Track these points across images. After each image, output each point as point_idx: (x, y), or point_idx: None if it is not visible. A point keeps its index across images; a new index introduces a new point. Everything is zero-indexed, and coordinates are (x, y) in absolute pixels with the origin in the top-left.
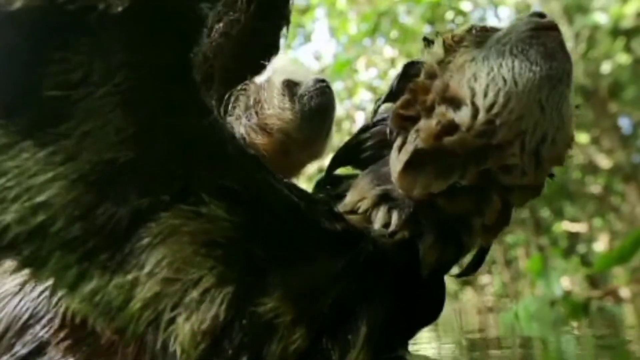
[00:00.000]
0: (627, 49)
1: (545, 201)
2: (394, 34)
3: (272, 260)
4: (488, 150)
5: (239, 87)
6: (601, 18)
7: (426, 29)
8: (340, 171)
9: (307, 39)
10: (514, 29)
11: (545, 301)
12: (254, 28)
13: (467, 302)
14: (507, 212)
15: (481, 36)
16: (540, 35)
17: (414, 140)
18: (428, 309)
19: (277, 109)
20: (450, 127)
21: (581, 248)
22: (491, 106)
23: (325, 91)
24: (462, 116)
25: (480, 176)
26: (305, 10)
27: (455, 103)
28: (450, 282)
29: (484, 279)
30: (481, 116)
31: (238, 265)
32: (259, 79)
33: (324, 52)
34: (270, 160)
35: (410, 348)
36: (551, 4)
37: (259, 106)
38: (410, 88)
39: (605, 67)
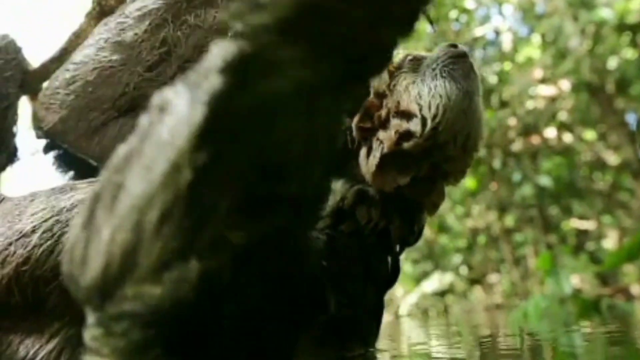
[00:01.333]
0: (634, 44)
1: (553, 199)
2: None
3: None
4: (434, 148)
5: None
6: (607, 13)
7: (430, 28)
8: None
9: None
10: (438, 57)
11: (555, 299)
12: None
13: (475, 302)
14: (444, 192)
15: (415, 63)
16: (457, 61)
17: (379, 148)
18: (393, 274)
19: None
20: (406, 135)
21: (590, 245)
22: (435, 116)
23: None
24: (415, 126)
25: (431, 167)
26: None
27: (407, 116)
28: (459, 282)
29: (492, 277)
30: (428, 124)
31: None
32: None
33: None
34: None
35: (419, 347)
36: (555, 1)
37: None
38: (365, 106)
39: (612, 63)
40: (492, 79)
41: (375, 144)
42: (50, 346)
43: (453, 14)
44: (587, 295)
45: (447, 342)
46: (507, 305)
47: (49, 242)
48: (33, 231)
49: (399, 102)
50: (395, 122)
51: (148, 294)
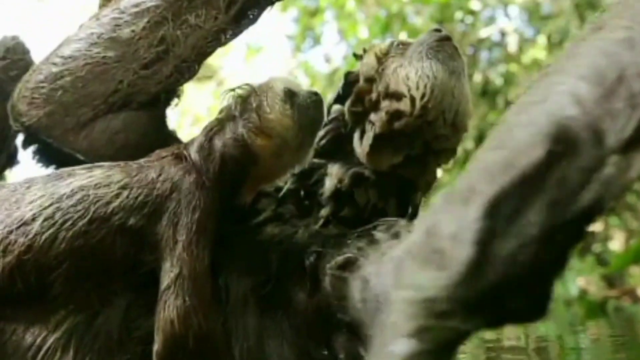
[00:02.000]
0: None
1: None
2: (403, 34)
3: None
4: (425, 126)
5: (234, 88)
6: None
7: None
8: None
9: (317, 41)
10: (423, 41)
11: (561, 301)
12: (225, 29)
13: None
14: (436, 172)
15: (402, 48)
16: (441, 44)
17: (372, 129)
18: None
19: (278, 114)
20: (397, 115)
21: (597, 247)
22: (423, 95)
23: (320, 104)
24: (404, 105)
25: (423, 146)
26: (314, 12)
27: (396, 97)
28: None
29: None
30: (417, 103)
31: None
32: (256, 83)
33: (333, 54)
34: (263, 163)
35: None
36: (561, 2)
37: (261, 110)
38: (356, 91)
39: None
40: (498, 81)
41: (367, 127)
42: (57, 334)
43: (458, 15)
44: (593, 297)
45: None
46: None
47: (50, 231)
48: (33, 219)
49: (388, 85)
50: (385, 104)
51: None
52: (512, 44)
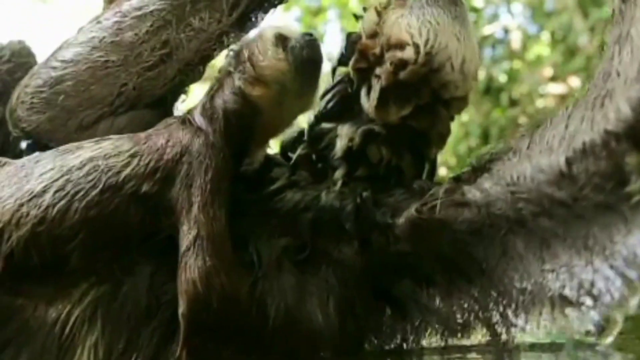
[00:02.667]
0: None
1: None
2: None
3: None
4: (431, 74)
5: (230, 48)
6: None
7: None
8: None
9: (320, 40)
10: None
11: None
12: (229, 32)
13: None
14: (449, 123)
15: (401, 1)
16: None
17: (378, 83)
18: None
19: (272, 60)
20: (402, 64)
21: None
22: (427, 41)
23: (315, 44)
24: (409, 54)
25: (430, 94)
26: (317, 12)
27: (400, 46)
28: None
29: None
30: (422, 50)
31: None
32: (248, 37)
33: (336, 53)
34: (266, 113)
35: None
36: None
37: (254, 58)
38: (358, 49)
39: None
40: (502, 78)
41: (373, 81)
42: (82, 306)
43: None
44: None
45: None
46: None
47: (62, 202)
48: (44, 191)
49: (390, 36)
50: (389, 55)
51: None
52: (515, 41)
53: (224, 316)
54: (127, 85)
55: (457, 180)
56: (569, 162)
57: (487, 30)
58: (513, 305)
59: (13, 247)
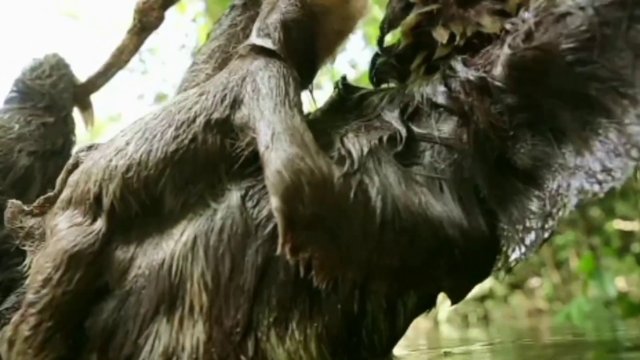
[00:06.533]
0: None
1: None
2: None
3: None
4: None
5: None
6: None
7: None
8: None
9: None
10: None
11: (599, 302)
12: None
13: (517, 307)
14: None
15: None
16: None
17: None
18: None
19: None
20: None
21: (635, 247)
22: None
23: None
24: None
25: None
26: None
27: None
28: (498, 286)
29: (533, 282)
30: None
31: None
32: None
33: (359, 60)
34: (327, 17)
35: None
36: None
37: None
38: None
39: None
40: None
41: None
42: (183, 239)
43: None
44: (634, 297)
45: (489, 347)
46: (550, 309)
47: (144, 146)
48: (127, 144)
49: None
50: None
51: None
52: None
53: (321, 205)
54: None
55: None
56: None
57: None
58: None
59: (112, 200)
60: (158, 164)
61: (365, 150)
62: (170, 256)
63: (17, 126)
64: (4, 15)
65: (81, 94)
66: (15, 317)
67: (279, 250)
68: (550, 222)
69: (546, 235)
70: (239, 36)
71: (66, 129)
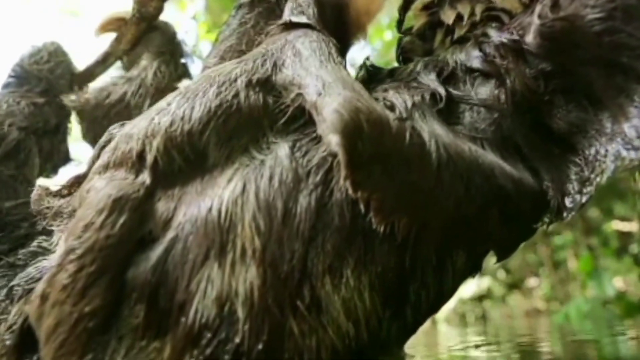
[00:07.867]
0: None
1: (593, 200)
2: None
3: None
4: None
5: None
6: None
7: None
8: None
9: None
10: None
11: (598, 302)
12: None
13: (515, 306)
14: None
15: None
16: None
17: None
18: None
19: None
20: None
21: (634, 248)
22: None
23: None
24: None
25: None
26: None
27: None
28: (496, 286)
29: (531, 282)
30: None
31: None
32: None
33: (359, 59)
34: None
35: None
36: None
37: None
38: None
39: None
40: None
41: None
42: (231, 186)
43: None
44: (631, 297)
45: (486, 347)
46: (548, 309)
47: (187, 103)
48: (169, 104)
49: None
50: None
51: None
52: None
53: (379, 144)
54: None
55: None
56: None
57: None
58: None
59: (155, 155)
60: (202, 118)
61: (409, 103)
62: (219, 201)
63: (5, 105)
64: (4, 13)
65: (79, 82)
66: (49, 273)
67: (341, 181)
68: (589, 188)
69: (584, 199)
70: (250, 33)
71: (61, 112)
